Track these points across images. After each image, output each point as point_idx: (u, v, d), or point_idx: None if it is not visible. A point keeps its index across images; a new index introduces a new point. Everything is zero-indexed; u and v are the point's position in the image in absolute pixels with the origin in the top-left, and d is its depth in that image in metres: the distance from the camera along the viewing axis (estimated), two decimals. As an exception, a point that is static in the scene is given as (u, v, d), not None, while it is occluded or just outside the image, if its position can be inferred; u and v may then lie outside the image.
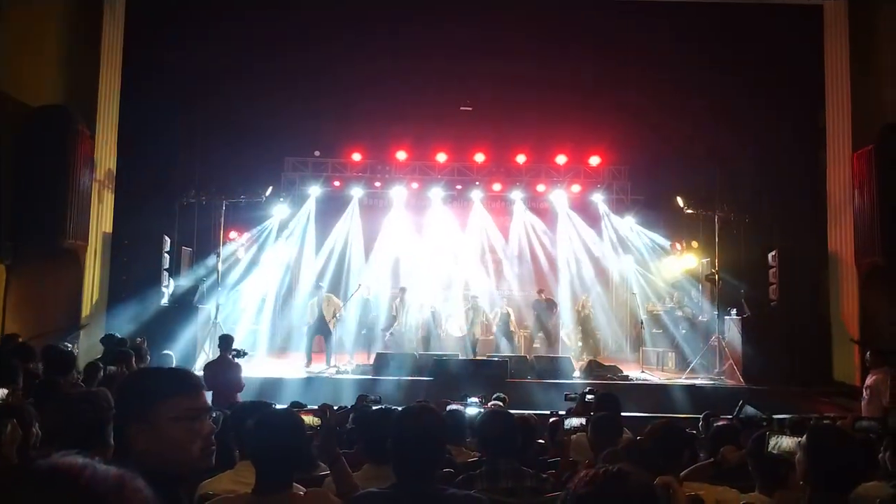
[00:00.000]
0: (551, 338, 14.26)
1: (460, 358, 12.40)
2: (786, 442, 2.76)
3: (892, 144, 9.79)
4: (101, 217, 11.03)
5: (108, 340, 8.28)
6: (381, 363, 11.43)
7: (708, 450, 4.21)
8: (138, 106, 11.44)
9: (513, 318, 14.00)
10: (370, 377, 11.13)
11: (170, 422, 1.63)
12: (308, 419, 3.10)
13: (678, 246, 14.82)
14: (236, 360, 8.11)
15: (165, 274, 12.08)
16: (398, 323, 13.69)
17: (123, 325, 10.64)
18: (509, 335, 13.78)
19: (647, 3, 10.84)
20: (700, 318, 13.62)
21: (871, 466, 3.47)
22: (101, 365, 6.61)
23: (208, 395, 1.76)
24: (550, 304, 14.19)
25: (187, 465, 1.66)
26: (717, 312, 12.54)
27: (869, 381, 7.89)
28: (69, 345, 8.58)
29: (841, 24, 11.24)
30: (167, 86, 11.76)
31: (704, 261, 13.81)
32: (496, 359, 11.83)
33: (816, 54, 11.35)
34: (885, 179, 9.87)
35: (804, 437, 2.57)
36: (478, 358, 12.47)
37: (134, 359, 7.67)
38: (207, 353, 11.33)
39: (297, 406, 4.34)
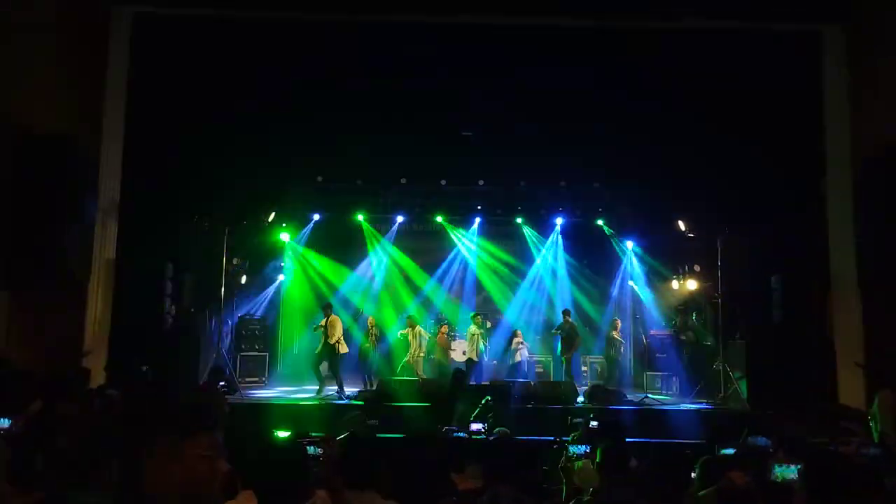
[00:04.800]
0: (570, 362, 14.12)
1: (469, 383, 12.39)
2: (788, 469, 2.74)
3: (892, 167, 9.82)
4: (105, 244, 11.04)
5: (111, 367, 8.26)
6: (385, 389, 11.41)
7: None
8: (142, 132, 11.51)
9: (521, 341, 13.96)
10: (373, 403, 11.07)
11: (196, 458, 1.63)
12: (311, 449, 3.09)
13: (681, 270, 14.82)
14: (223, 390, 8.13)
15: (168, 300, 12.09)
16: (412, 350, 13.68)
17: (126, 351, 10.62)
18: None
19: (647, 30, 10.94)
20: (704, 342, 13.58)
21: (876, 492, 3.44)
22: (101, 391, 6.60)
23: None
24: (574, 328, 14.06)
25: (198, 501, 1.65)
26: (720, 337, 12.51)
27: None
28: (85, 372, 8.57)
29: (839, 49, 11.33)
30: (171, 111, 11.85)
31: (707, 284, 13.80)
32: (500, 383, 11.78)
33: (815, 80, 11.43)
34: (886, 203, 9.87)
35: (804, 464, 2.56)
36: (482, 383, 12.41)
37: (135, 388, 7.69)
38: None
39: (301, 435, 4.32)
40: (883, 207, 9.94)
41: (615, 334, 14.29)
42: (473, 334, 13.76)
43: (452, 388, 9.59)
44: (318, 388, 12.40)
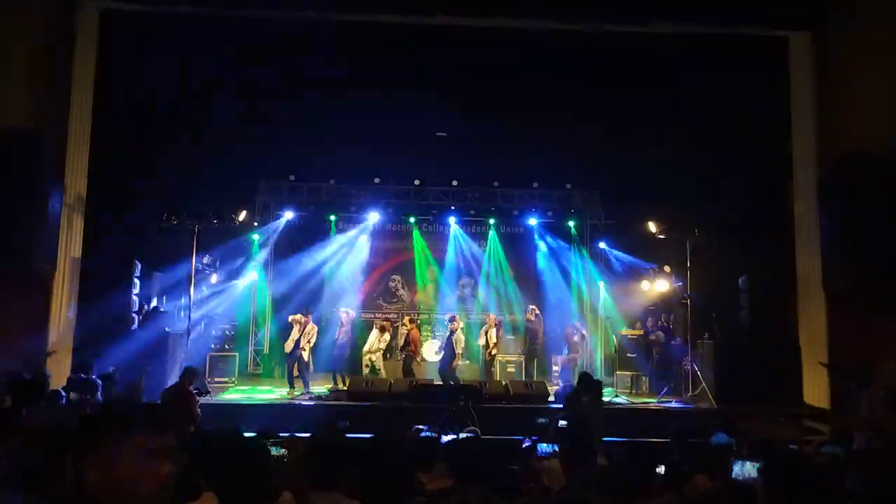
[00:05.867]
0: (539, 359, 14.09)
1: (435, 383, 12.38)
2: (749, 467, 2.78)
3: (856, 171, 10.02)
4: (71, 241, 10.86)
5: (77, 370, 8.12)
6: (356, 388, 11.35)
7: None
8: (109, 129, 11.34)
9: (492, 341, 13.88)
10: (345, 403, 11.02)
11: (127, 458, 1.59)
12: (274, 450, 3.07)
13: (653, 271, 14.97)
14: (195, 392, 8.04)
15: (136, 299, 11.91)
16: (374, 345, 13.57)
17: (91, 351, 10.44)
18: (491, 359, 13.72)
19: (617, 34, 11.04)
20: (673, 342, 13.74)
21: (835, 491, 3.50)
22: (64, 393, 6.48)
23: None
24: (538, 325, 14.03)
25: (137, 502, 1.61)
26: (689, 336, 12.68)
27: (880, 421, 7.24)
28: (49, 372, 8.43)
29: (806, 55, 11.55)
30: (139, 109, 11.70)
31: (677, 285, 13.97)
32: (471, 384, 11.78)
33: (782, 85, 11.64)
34: (848, 205, 10.08)
35: (763, 462, 2.60)
36: (452, 384, 12.41)
37: (101, 389, 7.56)
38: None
39: (266, 435, 4.28)
40: (844, 212, 10.14)
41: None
42: (456, 333, 13.62)
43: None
44: (289, 389, 12.31)
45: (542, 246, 16.80)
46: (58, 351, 10.35)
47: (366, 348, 13.47)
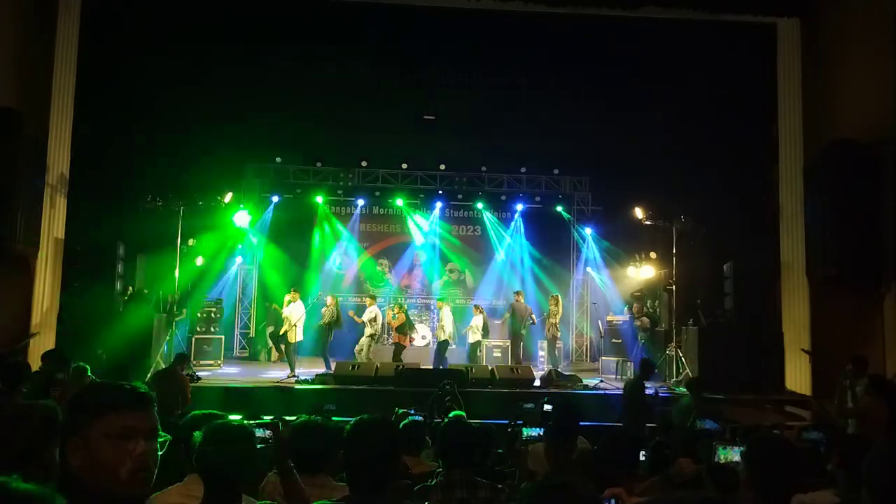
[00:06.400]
0: (524, 343, 14.10)
1: (422, 367, 12.41)
2: (733, 452, 2.81)
3: (842, 159, 10.07)
4: (53, 223, 10.72)
5: (57, 354, 8.03)
6: (342, 372, 11.34)
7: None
8: (93, 109, 11.18)
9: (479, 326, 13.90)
10: (330, 387, 11.01)
11: (101, 439, 1.57)
12: (259, 433, 3.06)
13: (638, 257, 15.04)
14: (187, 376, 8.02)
15: (120, 281, 11.82)
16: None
17: (75, 334, 10.36)
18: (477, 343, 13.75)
19: (604, 18, 10.98)
20: (658, 328, 13.82)
21: (819, 476, 3.54)
22: (48, 375, 6.43)
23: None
24: (526, 308, 14.03)
25: (116, 488, 1.59)
26: (674, 322, 12.77)
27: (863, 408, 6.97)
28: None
29: (794, 41, 11.56)
30: (124, 88, 11.53)
31: (662, 271, 14.04)
32: (457, 368, 11.82)
33: (770, 71, 11.65)
34: (834, 193, 10.14)
35: (745, 448, 2.62)
36: (439, 368, 12.45)
37: (88, 371, 7.51)
38: (162, 364, 11.09)
39: (252, 418, 4.27)
40: (829, 200, 10.20)
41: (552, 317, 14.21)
42: (443, 315, 13.62)
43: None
44: (289, 371, 12.23)
45: (529, 231, 16.83)
46: (40, 333, 10.25)
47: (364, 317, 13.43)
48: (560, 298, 14.31)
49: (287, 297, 12.75)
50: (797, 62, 11.48)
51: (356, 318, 13.63)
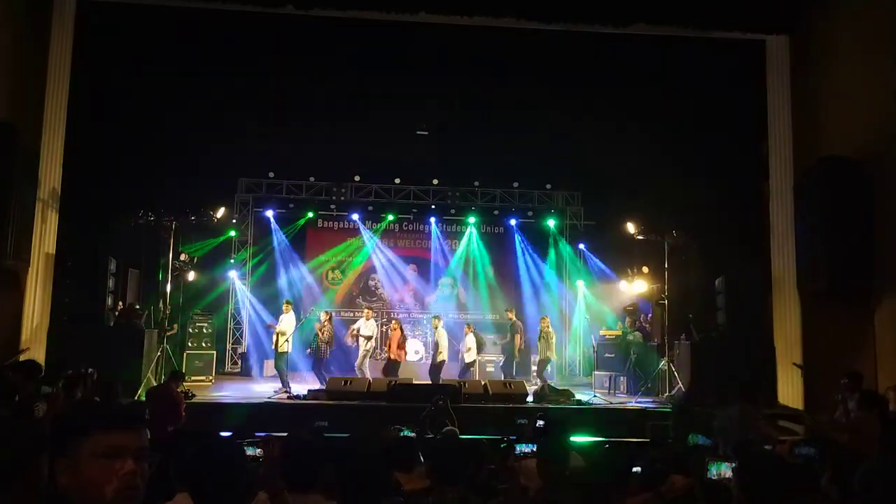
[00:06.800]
0: (518, 359, 14.02)
1: (414, 383, 12.34)
2: (724, 467, 2.80)
3: (832, 175, 10.15)
4: (45, 237, 10.66)
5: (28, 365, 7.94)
6: (335, 388, 11.28)
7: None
8: (86, 123, 11.16)
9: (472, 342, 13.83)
10: (323, 402, 10.95)
11: (89, 458, 1.56)
12: (250, 450, 3.03)
13: (630, 272, 15.07)
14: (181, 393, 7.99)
15: (111, 297, 11.75)
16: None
17: (65, 349, 10.26)
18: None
19: (597, 35, 11.07)
20: (651, 342, 13.83)
21: (811, 491, 3.53)
22: (35, 392, 6.37)
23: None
24: (519, 326, 14.00)
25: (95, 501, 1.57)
26: (666, 337, 12.78)
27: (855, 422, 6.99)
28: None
29: (783, 58, 11.67)
30: (116, 104, 11.53)
31: (655, 286, 14.06)
32: (450, 383, 11.76)
33: (759, 87, 11.76)
34: (824, 208, 10.20)
35: (736, 463, 2.62)
36: (430, 383, 12.40)
37: (80, 388, 7.45)
38: (153, 380, 11.01)
39: (242, 434, 4.24)
40: (819, 214, 10.27)
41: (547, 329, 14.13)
42: (440, 333, 13.53)
43: None
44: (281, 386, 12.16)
45: (522, 245, 16.87)
46: (30, 348, 10.16)
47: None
48: (548, 319, 14.22)
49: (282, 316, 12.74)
50: (786, 79, 11.58)
51: (351, 336, 13.55)
